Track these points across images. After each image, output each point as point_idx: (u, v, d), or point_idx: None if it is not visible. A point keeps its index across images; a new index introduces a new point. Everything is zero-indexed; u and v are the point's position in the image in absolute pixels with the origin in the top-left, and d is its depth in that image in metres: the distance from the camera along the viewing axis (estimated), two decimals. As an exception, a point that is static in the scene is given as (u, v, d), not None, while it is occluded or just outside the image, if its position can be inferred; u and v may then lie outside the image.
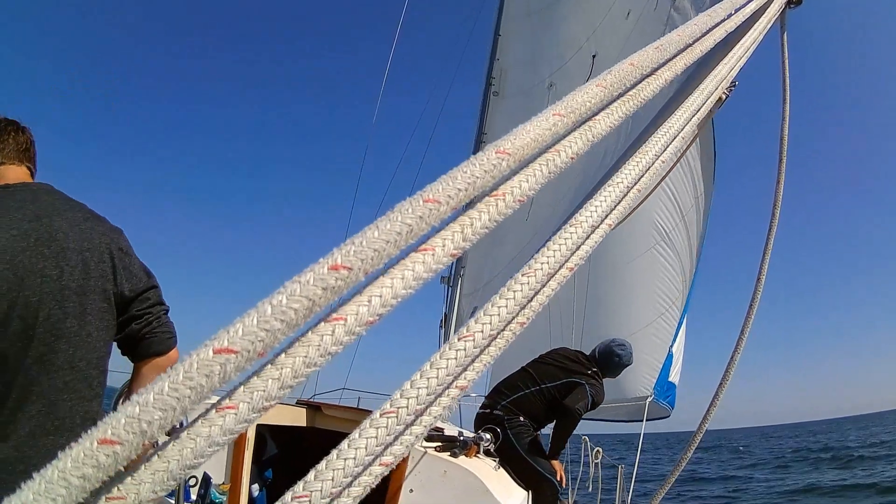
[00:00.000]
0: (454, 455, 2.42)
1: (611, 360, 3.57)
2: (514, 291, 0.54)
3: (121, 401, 1.58)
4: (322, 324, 0.41)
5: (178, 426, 0.40)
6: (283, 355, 0.40)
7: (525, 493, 2.95)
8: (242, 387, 0.39)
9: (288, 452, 3.04)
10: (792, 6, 1.71)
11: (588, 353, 3.63)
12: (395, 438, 0.48)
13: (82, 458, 0.35)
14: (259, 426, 2.70)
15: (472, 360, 0.53)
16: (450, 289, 6.62)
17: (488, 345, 0.55)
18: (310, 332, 0.41)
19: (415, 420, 0.49)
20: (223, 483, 2.38)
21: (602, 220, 0.68)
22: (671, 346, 5.85)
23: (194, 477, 2.23)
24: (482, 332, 0.51)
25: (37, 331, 1.13)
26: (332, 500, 0.42)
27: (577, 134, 0.62)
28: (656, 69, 0.80)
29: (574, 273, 0.67)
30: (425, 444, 2.39)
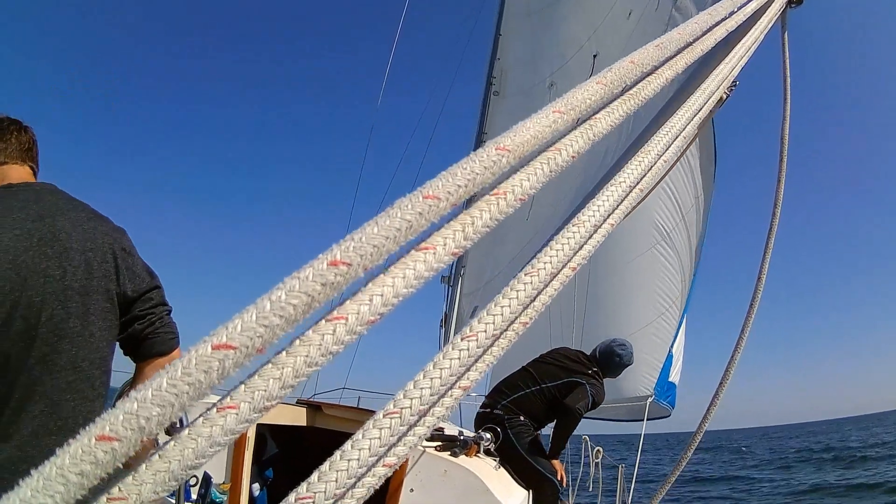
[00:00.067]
0: (454, 454, 2.42)
1: (611, 359, 3.57)
2: (517, 291, 0.54)
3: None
4: (323, 322, 0.41)
5: (177, 424, 0.40)
6: (283, 354, 0.40)
7: (525, 492, 2.94)
8: (243, 386, 0.39)
9: (288, 452, 3.04)
10: (793, 6, 1.71)
11: (589, 353, 3.63)
12: (399, 439, 0.48)
13: (80, 455, 0.35)
14: (259, 426, 2.70)
15: (475, 360, 0.52)
16: (450, 288, 6.62)
17: (491, 345, 0.54)
18: (310, 331, 0.41)
19: (418, 420, 0.49)
20: (223, 483, 2.38)
21: (604, 220, 0.68)
22: (671, 345, 5.84)
23: (195, 476, 2.23)
24: (485, 331, 0.50)
25: (39, 331, 1.13)
26: (335, 501, 0.42)
27: (578, 133, 0.61)
28: (657, 67, 0.80)
29: (576, 273, 0.67)
30: (426, 443, 2.39)
